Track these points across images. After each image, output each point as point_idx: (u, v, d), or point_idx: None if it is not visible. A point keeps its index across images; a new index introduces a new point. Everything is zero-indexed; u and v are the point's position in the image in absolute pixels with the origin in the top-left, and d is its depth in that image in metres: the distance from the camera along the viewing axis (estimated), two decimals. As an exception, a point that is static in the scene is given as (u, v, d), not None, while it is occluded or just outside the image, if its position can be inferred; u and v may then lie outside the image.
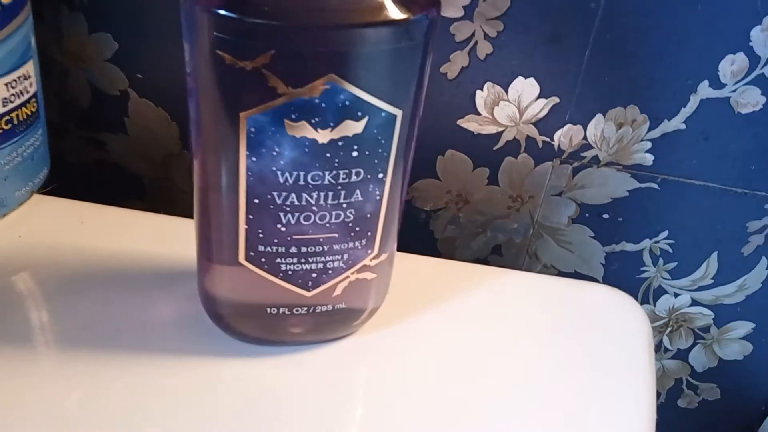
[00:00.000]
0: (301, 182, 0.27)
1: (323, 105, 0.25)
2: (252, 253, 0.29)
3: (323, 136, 0.26)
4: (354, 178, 0.27)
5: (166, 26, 0.41)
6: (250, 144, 0.26)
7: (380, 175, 0.28)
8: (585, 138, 0.42)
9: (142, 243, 0.38)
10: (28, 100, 0.37)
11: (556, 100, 0.40)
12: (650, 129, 0.41)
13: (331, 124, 0.25)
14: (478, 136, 0.42)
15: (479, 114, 0.41)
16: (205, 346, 0.33)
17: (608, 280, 0.47)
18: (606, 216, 0.45)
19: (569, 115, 0.41)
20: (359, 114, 0.25)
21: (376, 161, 0.27)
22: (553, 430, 0.32)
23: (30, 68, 0.37)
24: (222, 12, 0.23)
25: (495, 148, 0.43)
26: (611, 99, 0.40)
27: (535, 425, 0.32)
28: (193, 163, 0.28)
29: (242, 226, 0.28)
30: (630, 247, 0.46)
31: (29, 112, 0.37)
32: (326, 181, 0.27)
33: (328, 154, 0.26)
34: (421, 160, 0.43)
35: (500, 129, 0.42)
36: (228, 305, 0.32)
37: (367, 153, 0.27)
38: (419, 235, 0.47)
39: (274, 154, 0.26)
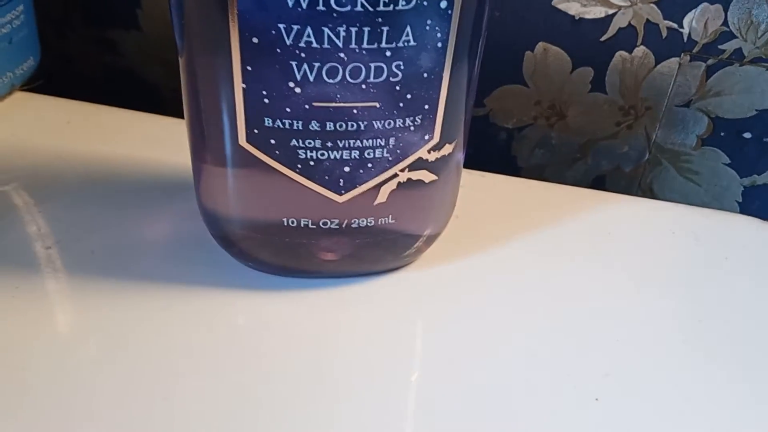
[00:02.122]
0: (321, 7, 0.17)
1: None
2: (256, 131, 0.20)
3: (352, -76, 0.16)
4: (402, 3, 0.18)
5: None
6: (238, -64, 0.16)
7: (443, 4, 0.18)
8: (725, 23, 0.31)
9: (142, 147, 0.30)
10: (-1, -37, 0.29)
11: (690, -33, 0.30)
12: (820, 9, 0.30)
13: None
14: (581, 21, 0.32)
15: (582, -8, 0.31)
16: (212, 277, 0.24)
17: (746, 223, 0.36)
18: (748, 135, 0.34)
19: (706, -11, 0.30)
20: None
21: (436, -23, 0.18)
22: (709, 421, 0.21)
23: None
24: None
25: (603, 39, 0.32)
26: (767, -35, 0.30)
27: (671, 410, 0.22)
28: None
29: (238, 86, 0.19)
30: (778, 178, 0.35)
31: (2, -21, 0.29)
32: (359, 6, 0.18)
33: (361, -42, 0.17)
34: (500, 58, 0.33)
35: (611, 11, 0.32)
36: (234, 222, 0.23)
37: (422, -40, 0.17)
38: (497, 161, 0.37)
39: (277, -46, 0.17)
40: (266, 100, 0.19)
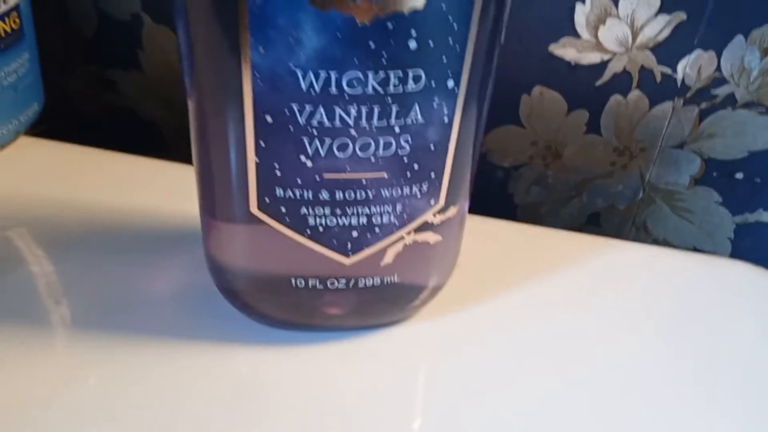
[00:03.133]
0: (333, 90, 0.18)
1: (364, -41, 0.16)
2: (267, 200, 0.20)
3: (363, 11, 0.17)
4: (411, 85, 0.18)
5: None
6: (254, 25, 0.17)
7: (450, 84, 0.19)
8: (718, 69, 0.32)
9: (148, 194, 0.30)
10: (6, 14, 0.29)
11: (683, 16, 0.31)
12: (809, 57, 0.31)
13: (377, -7, 0.16)
14: (576, 67, 0.33)
15: (579, 37, 0.32)
16: (218, 331, 0.25)
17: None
18: (739, 176, 0.34)
19: (699, 37, 0.31)
20: (420, -22, 0.17)
21: (444, 59, 0.18)
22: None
23: (7, -27, 0.29)
24: None
25: (598, 83, 0.33)
26: (757, 14, 0.30)
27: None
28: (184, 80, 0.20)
29: (251, 160, 0.20)
30: (768, 216, 0.36)
31: (9, 29, 0.30)
32: (370, 89, 0.18)
33: (371, 44, 0.17)
34: (499, 100, 0.34)
35: (606, 57, 0.32)
36: (241, 277, 0.23)
37: (431, 44, 0.18)
38: (494, 200, 0.37)
39: (291, 40, 0.17)
40: (278, 173, 0.20)
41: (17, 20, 0.30)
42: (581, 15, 0.31)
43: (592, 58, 0.32)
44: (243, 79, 0.18)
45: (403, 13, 0.17)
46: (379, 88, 0.18)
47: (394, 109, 0.19)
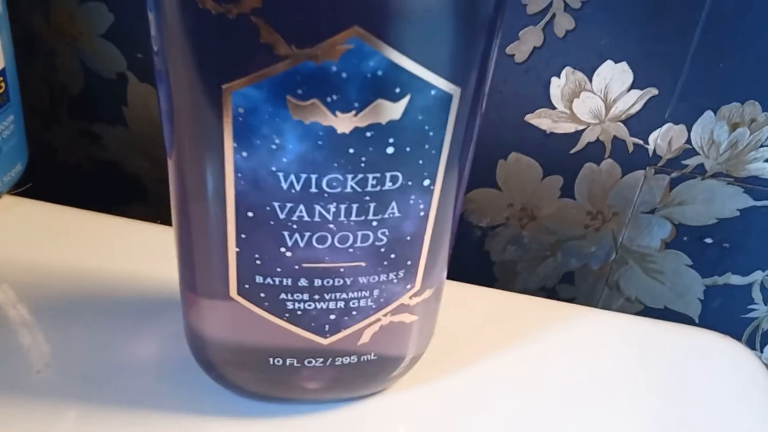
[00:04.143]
0: (313, 189, 0.19)
1: (344, 75, 0.17)
2: (246, 286, 0.21)
3: (344, 123, 0.17)
4: (389, 185, 0.19)
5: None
6: (238, 132, 0.18)
7: (426, 182, 0.20)
8: (689, 141, 0.33)
9: (131, 258, 0.31)
10: (-8, 79, 0.30)
11: (654, 92, 0.32)
12: (774, 131, 0.32)
13: (356, 105, 0.17)
14: (551, 135, 0.34)
15: (554, 108, 0.33)
16: (194, 402, 0.25)
17: (707, 320, 0.38)
18: (709, 240, 0.36)
19: (670, 111, 0.32)
20: (397, 91, 0.17)
21: (420, 162, 0.19)
22: None
23: (-5, 39, 0.29)
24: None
25: (572, 151, 0.34)
26: (725, 92, 0.32)
27: None
28: (167, 161, 0.21)
29: (232, 250, 0.20)
30: (736, 279, 0.37)
31: (-6, 94, 0.30)
32: (348, 189, 0.19)
33: (351, 150, 0.18)
34: (477, 165, 0.35)
35: (580, 127, 0.33)
36: (219, 351, 0.24)
37: (407, 149, 0.18)
38: (472, 257, 0.38)
39: (273, 147, 0.18)
40: (258, 262, 0.20)
41: (2, 85, 0.30)
42: (556, 88, 0.32)
43: (567, 128, 0.33)
44: (226, 178, 0.19)
45: (381, 123, 0.18)
46: (358, 188, 0.19)
47: (372, 205, 0.19)
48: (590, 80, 0.32)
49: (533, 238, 0.37)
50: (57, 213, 0.33)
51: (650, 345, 0.30)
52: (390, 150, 0.18)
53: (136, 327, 0.28)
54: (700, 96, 0.32)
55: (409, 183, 0.19)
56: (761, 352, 0.39)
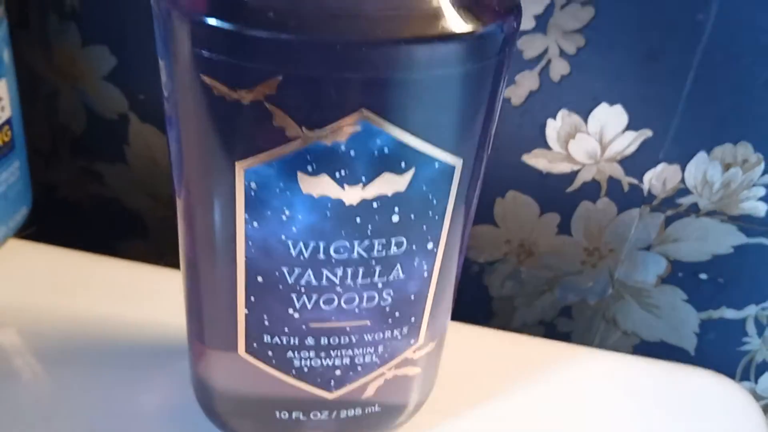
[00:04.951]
0: (321, 256, 0.19)
1: (352, 153, 0.17)
2: (255, 345, 0.21)
3: (352, 195, 0.18)
4: (394, 250, 0.20)
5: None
6: (249, 205, 0.18)
7: (429, 246, 0.20)
8: (683, 181, 0.33)
9: (138, 303, 0.31)
10: (-1, 128, 0.30)
11: (649, 133, 0.32)
12: (766, 172, 0.33)
13: (363, 179, 0.18)
14: (548, 175, 0.34)
15: (550, 148, 0.33)
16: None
17: (702, 353, 0.38)
18: (704, 276, 0.36)
19: (664, 152, 0.33)
20: (403, 165, 0.18)
21: (424, 227, 0.20)
22: None
23: (2, 89, 0.30)
24: (208, 21, 0.15)
25: (568, 190, 0.35)
26: (718, 133, 0.32)
27: None
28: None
29: (241, 311, 0.21)
30: (731, 314, 0.37)
31: (1, 143, 0.30)
32: (355, 255, 0.19)
33: (358, 219, 0.19)
34: (476, 204, 0.35)
35: (576, 167, 0.34)
36: (225, 401, 0.24)
37: (412, 217, 0.19)
38: (471, 292, 0.39)
39: (284, 218, 0.18)
40: (266, 322, 0.21)
41: (9, 132, 0.31)
42: (552, 130, 0.33)
43: (563, 167, 0.34)
44: (237, 246, 0.19)
45: (387, 194, 0.18)
46: (364, 254, 0.19)
47: (378, 268, 0.20)
48: (585, 122, 0.32)
49: (531, 274, 0.38)
50: (62, 257, 0.33)
51: (646, 384, 0.31)
52: (395, 218, 0.19)
53: (141, 374, 0.28)
54: (694, 137, 0.32)
55: (414, 247, 0.20)
56: (756, 383, 0.40)
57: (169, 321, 0.30)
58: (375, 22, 0.16)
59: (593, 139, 0.33)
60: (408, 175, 0.18)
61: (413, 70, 0.16)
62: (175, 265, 0.37)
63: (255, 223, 0.18)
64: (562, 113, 0.32)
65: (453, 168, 0.19)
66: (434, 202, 0.19)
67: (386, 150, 0.17)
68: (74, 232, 0.42)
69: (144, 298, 0.31)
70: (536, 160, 0.34)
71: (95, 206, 0.41)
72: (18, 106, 0.32)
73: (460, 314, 0.31)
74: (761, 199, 0.33)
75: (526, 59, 0.31)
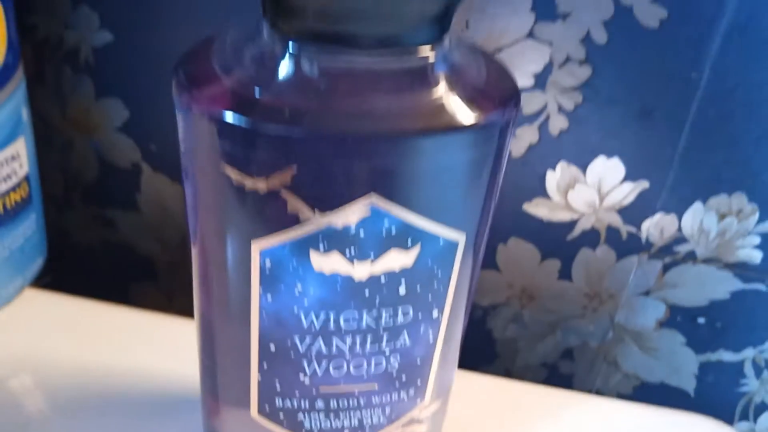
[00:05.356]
0: (331, 326, 0.20)
1: (362, 233, 0.18)
2: (266, 407, 0.22)
3: (361, 271, 0.19)
4: (401, 319, 0.20)
5: (184, 93, 0.35)
6: (264, 280, 0.19)
7: (435, 314, 0.21)
8: (680, 230, 0.34)
9: (151, 352, 0.32)
10: (17, 185, 0.31)
11: (646, 184, 0.33)
12: (760, 221, 0.34)
13: (372, 256, 0.19)
14: (549, 223, 0.35)
15: (550, 198, 0.34)
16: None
17: (701, 394, 0.39)
18: (702, 320, 0.37)
19: (661, 202, 0.34)
20: (409, 242, 0.19)
21: (429, 297, 0.20)
22: None
23: (20, 147, 0.31)
24: (227, 119, 0.17)
25: (569, 237, 0.36)
26: (713, 185, 0.33)
27: None
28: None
29: (254, 376, 0.22)
30: (729, 356, 0.38)
31: (19, 198, 0.31)
32: (364, 324, 0.20)
33: (367, 292, 0.19)
34: (478, 251, 0.36)
35: (575, 216, 0.35)
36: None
37: (418, 288, 0.20)
38: (474, 334, 0.40)
39: (296, 292, 0.19)
40: (278, 387, 0.22)
41: (27, 188, 0.32)
42: (552, 181, 0.34)
43: (563, 216, 0.35)
44: (251, 316, 0.20)
45: (395, 270, 0.19)
46: (372, 323, 0.20)
47: (385, 336, 0.21)
48: (584, 173, 0.33)
49: (533, 317, 0.39)
50: (76, 306, 0.34)
51: (646, 430, 0.31)
52: (402, 290, 0.20)
53: (154, 424, 0.29)
54: (690, 188, 0.33)
55: (420, 315, 0.21)
56: (755, 423, 0.40)
57: (182, 371, 0.31)
58: (383, 117, 0.17)
59: (592, 189, 0.34)
60: (414, 252, 0.19)
61: (419, 159, 0.17)
62: (183, 307, 0.38)
63: (269, 297, 0.19)
64: (561, 165, 0.33)
65: (457, 243, 0.20)
66: (439, 274, 0.20)
67: (394, 230, 0.18)
68: (86, 274, 0.43)
69: (158, 347, 0.32)
70: (537, 208, 0.35)
71: (106, 250, 0.42)
72: (35, 161, 0.33)
73: (465, 356, 0.31)
74: (756, 247, 0.34)
75: (525, 114, 0.32)
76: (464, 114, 0.17)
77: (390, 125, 0.17)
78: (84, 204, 0.40)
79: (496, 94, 0.18)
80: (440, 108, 0.17)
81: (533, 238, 0.36)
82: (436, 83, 0.17)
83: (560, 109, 0.32)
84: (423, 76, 0.17)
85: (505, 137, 0.18)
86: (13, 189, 0.31)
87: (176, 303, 0.43)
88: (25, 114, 0.31)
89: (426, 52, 0.17)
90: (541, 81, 0.32)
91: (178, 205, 0.39)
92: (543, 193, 0.34)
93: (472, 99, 0.17)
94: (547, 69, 0.31)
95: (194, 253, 0.21)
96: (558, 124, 0.32)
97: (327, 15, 0.15)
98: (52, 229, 0.38)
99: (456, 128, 0.17)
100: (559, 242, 0.36)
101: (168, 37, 0.34)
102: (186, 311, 0.41)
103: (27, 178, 0.32)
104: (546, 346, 0.40)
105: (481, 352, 0.40)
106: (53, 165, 0.39)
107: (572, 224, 0.35)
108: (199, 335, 0.23)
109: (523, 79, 0.32)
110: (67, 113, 0.37)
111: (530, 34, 0.30)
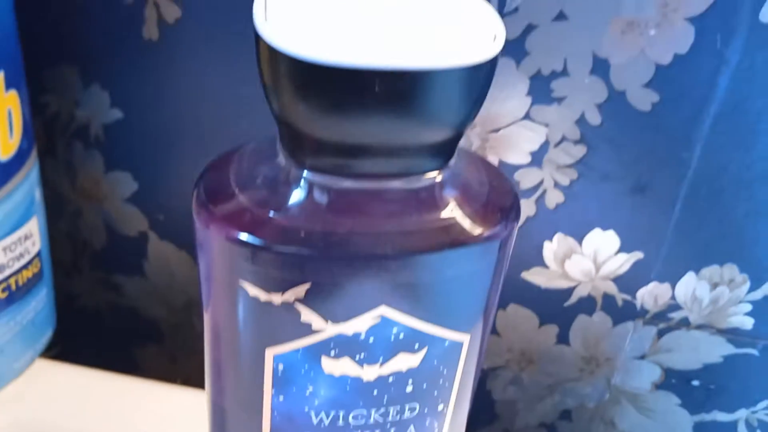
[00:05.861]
0: (341, 423, 0.21)
1: (371, 340, 0.19)
2: (277, 493, 0.23)
3: (370, 373, 0.20)
4: (407, 414, 0.21)
5: (192, 165, 0.36)
6: (276, 382, 0.20)
7: (440, 407, 0.22)
8: (673, 297, 0.35)
9: (161, 425, 0.33)
10: (29, 262, 0.32)
11: (640, 255, 0.34)
12: (751, 290, 0.35)
13: (381, 359, 0.20)
14: (546, 290, 0.36)
15: (548, 267, 0.35)
16: None
17: (697, 454, 0.40)
18: (696, 383, 0.38)
19: (655, 272, 0.35)
20: (416, 346, 0.20)
21: (435, 393, 0.21)
22: None
23: (33, 226, 0.32)
24: (244, 239, 0.18)
25: (566, 304, 0.36)
26: (705, 256, 0.34)
27: None
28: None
29: (266, 467, 0.22)
30: (723, 417, 0.39)
31: (30, 275, 0.32)
32: (372, 420, 0.21)
33: (375, 391, 0.20)
34: (478, 317, 0.37)
35: (572, 284, 0.36)
36: None
37: (424, 386, 0.21)
38: (475, 395, 0.40)
39: (307, 393, 0.20)
40: (289, 476, 0.23)
41: (38, 264, 0.33)
42: (549, 251, 0.35)
43: (560, 284, 0.36)
44: (263, 414, 0.21)
45: (402, 370, 0.20)
46: (380, 419, 0.21)
47: (393, 430, 0.22)
48: (580, 245, 0.34)
49: (532, 380, 0.39)
50: (85, 376, 0.35)
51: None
52: (409, 388, 0.21)
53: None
54: (682, 259, 0.34)
55: (426, 410, 0.22)
56: (750, 480, 0.41)
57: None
58: (393, 237, 0.18)
59: (588, 259, 0.35)
60: (421, 354, 0.20)
61: (428, 273, 0.18)
62: (186, 368, 0.39)
63: (281, 397, 0.20)
64: (558, 236, 0.35)
65: (461, 343, 0.21)
66: (444, 372, 0.21)
67: (402, 336, 0.19)
68: (93, 337, 0.43)
69: (166, 419, 0.33)
70: (535, 277, 0.36)
71: (113, 314, 0.43)
72: (46, 236, 0.34)
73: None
74: (748, 314, 0.35)
75: (522, 189, 0.34)
76: (471, 230, 0.18)
77: (400, 245, 0.18)
78: (92, 270, 0.41)
79: (498, 206, 0.19)
80: (448, 226, 0.18)
81: (532, 304, 0.37)
82: (444, 201, 0.18)
83: (556, 184, 0.33)
84: (430, 196, 0.18)
85: (506, 246, 0.20)
86: (26, 266, 0.32)
87: (180, 365, 0.43)
88: (37, 194, 0.32)
89: (433, 174, 0.18)
90: (537, 158, 0.33)
91: (183, 271, 0.40)
92: (541, 262, 0.35)
93: (477, 214, 0.18)
94: (543, 148, 0.32)
95: (207, 347, 0.22)
96: (554, 198, 0.34)
97: (341, 150, 0.16)
98: (60, 293, 0.39)
99: (463, 244, 0.18)
100: (556, 308, 0.37)
101: (176, 115, 0.35)
102: (189, 371, 0.42)
103: (39, 255, 0.33)
104: (545, 407, 0.40)
105: (481, 413, 0.41)
106: (62, 233, 0.40)
107: (569, 291, 0.36)
108: (210, 418, 0.24)
109: (520, 156, 0.33)
110: (77, 185, 0.38)
111: (527, 116, 0.32)
